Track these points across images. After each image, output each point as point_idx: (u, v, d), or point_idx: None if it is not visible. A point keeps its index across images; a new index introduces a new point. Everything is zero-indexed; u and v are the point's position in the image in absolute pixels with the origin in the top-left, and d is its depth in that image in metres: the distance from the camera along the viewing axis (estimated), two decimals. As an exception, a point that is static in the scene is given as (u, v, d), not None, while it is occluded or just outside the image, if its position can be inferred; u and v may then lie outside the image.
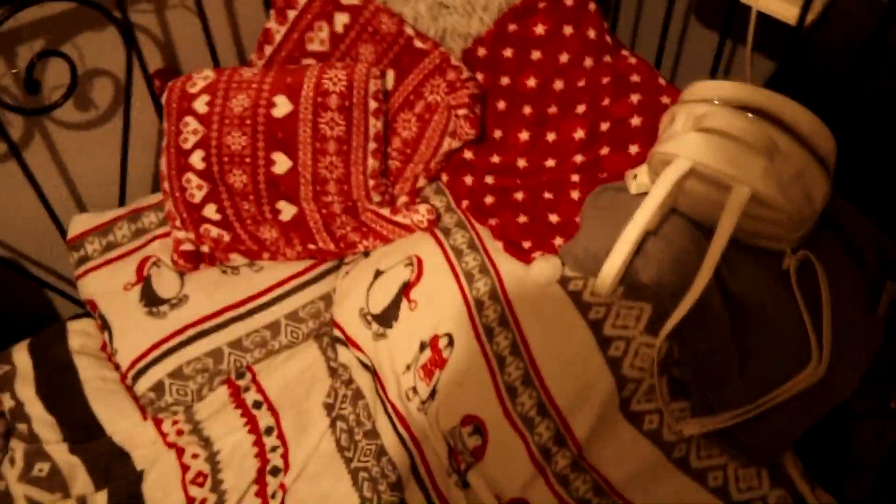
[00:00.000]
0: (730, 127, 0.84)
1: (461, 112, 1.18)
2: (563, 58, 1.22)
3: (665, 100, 1.16)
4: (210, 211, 1.21)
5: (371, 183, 1.20)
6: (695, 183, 0.92)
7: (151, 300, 1.19)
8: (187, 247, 1.23)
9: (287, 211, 1.19)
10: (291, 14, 1.27)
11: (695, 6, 1.50)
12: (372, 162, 1.19)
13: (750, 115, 0.87)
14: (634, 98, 1.17)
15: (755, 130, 0.84)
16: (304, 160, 1.17)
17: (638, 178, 1.06)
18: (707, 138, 0.87)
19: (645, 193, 0.97)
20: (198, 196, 1.20)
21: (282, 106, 1.17)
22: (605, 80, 1.20)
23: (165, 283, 1.21)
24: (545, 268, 1.03)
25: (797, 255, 0.98)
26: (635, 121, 1.15)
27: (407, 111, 1.23)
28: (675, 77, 1.63)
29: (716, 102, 0.90)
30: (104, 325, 1.18)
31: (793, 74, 1.11)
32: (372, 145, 1.19)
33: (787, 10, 1.11)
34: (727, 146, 0.86)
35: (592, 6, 1.25)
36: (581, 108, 1.20)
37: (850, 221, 1.06)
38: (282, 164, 1.17)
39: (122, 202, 1.37)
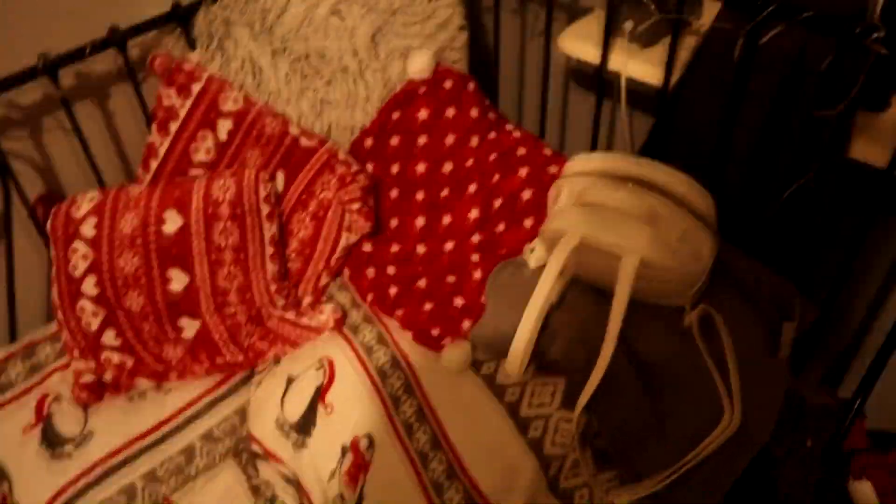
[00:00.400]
0: (610, 200, 0.87)
1: (354, 206, 1.18)
2: (450, 140, 1.24)
3: (552, 169, 1.19)
4: (109, 337, 1.17)
5: (273, 287, 1.18)
6: (588, 254, 0.94)
7: (53, 441, 1.12)
8: (88, 378, 1.17)
9: (190, 327, 1.16)
10: (174, 126, 1.25)
11: (571, 74, 1.56)
12: (271, 266, 1.17)
13: (630, 183, 0.90)
14: (523, 172, 1.19)
15: (634, 200, 0.87)
16: (201, 274, 1.14)
17: (535, 252, 1.07)
18: (591, 212, 0.89)
19: (544, 266, 0.98)
20: (94, 323, 1.16)
21: (172, 221, 1.14)
22: (493, 157, 1.23)
23: (68, 420, 1.15)
24: (456, 354, 1.02)
25: (696, 310, 1.01)
26: (526, 194, 1.17)
27: (301, 211, 1.22)
28: (563, 142, 1.67)
29: (595, 176, 0.92)
30: (2, 477, 1.11)
31: (667, 131, 1.16)
32: (269, 250, 1.18)
33: (652, 73, 1.16)
34: (611, 218, 0.88)
35: (472, 86, 1.28)
36: (473, 188, 1.22)
37: (741, 267, 1.10)
38: (179, 280, 1.14)
39: (13, 338, 1.30)
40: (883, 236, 1.27)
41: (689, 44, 1.14)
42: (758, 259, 1.10)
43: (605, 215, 0.88)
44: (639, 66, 1.17)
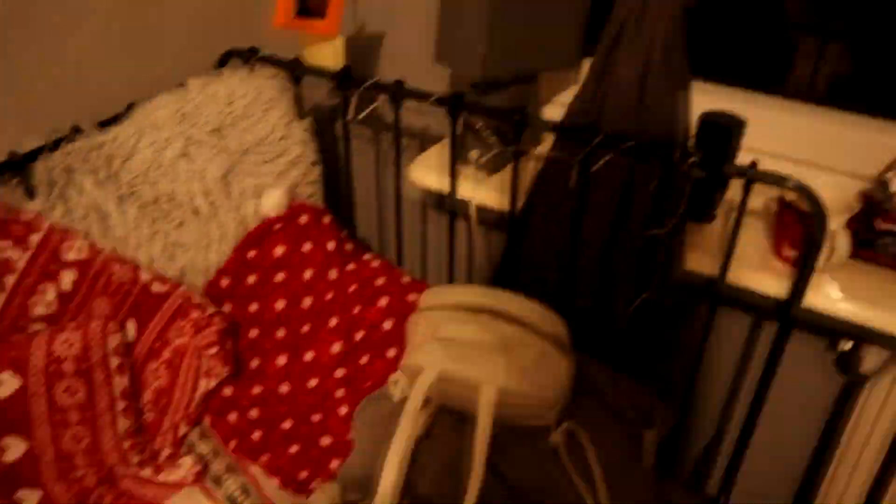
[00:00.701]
0: (463, 334, 0.88)
1: (211, 351, 1.14)
2: (308, 274, 1.24)
3: (412, 297, 1.21)
4: (-67, 521, 1.05)
5: (126, 444, 1.10)
6: (449, 385, 0.94)
7: None
8: None
9: (29, 499, 1.05)
10: (10, 279, 1.18)
11: (428, 198, 1.61)
12: (123, 422, 1.10)
13: (483, 314, 0.92)
14: (383, 301, 1.20)
15: (487, 332, 0.89)
16: (42, 438, 1.06)
17: (399, 384, 1.06)
18: (446, 346, 0.90)
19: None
20: (-85, 507, 1.04)
21: (7, 383, 1.06)
22: (352, 289, 1.23)
23: None
24: (323, 499, 0.98)
25: (561, 428, 1.02)
26: (387, 324, 1.18)
27: (154, 360, 1.16)
28: (425, 266, 1.70)
29: (449, 309, 0.94)
30: None
31: (518, 254, 1.20)
32: (120, 405, 1.11)
33: (499, 199, 1.22)
34: (466, 351, 0.89)
35: (327, 219, 1.29)
36: (334, 322, 1.21)
37: (601, 380, 1.13)
38: (15, 448, 1.05)
39: None
40: (728, 333, 1.35)
41: (533, 168, 1.20)
42: (616, 369, 1.14)
43: (460, 348, 0.89)
44: (486, 193, 1.22)
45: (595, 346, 1.17)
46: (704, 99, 1.29)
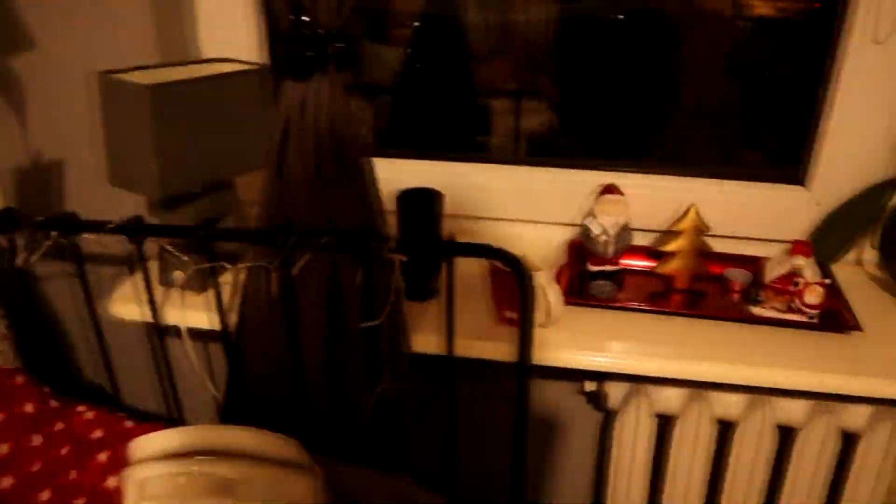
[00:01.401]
0: (170, 490, 0.78)
1: None
2: (4, 449, 1.06)
3: (136, 444, 1.07)
4: None
5: None
6: (178, 543, 0.83)
7: None
8: None
9: None
10: None
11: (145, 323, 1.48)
12: None
13: (195, 458, 0.82)
14: (102, 457, 1.06)
15: (201, 478, 0.80)
16: None
17: (131, 550, 0.93)
18: (159, 505, 0.79)
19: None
20: None
21: None
22: (65, 451, 1.07)
23: None
24: None
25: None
26: (112, 482, 1.04)
27: None
28: (165, 397, 1.56)
29: (157, 459, 0.83)
30: None
31: (241, 376, 1.11)
32: None
33: (211, 318, 1.14)
34: (181, 505, 0.79)
35: (21, 378, 1.13)
36: (45, 496, 1.04)
37: (358, 483, 1.07)
38: None
39: None
40: (488, 397, 1.36)
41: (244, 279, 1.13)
42: (371, 466, 1.09)
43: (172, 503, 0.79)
44: (196, 314, 1.13)
45: (344, 448, 1.11)
46: (408, 175, 1.31)
